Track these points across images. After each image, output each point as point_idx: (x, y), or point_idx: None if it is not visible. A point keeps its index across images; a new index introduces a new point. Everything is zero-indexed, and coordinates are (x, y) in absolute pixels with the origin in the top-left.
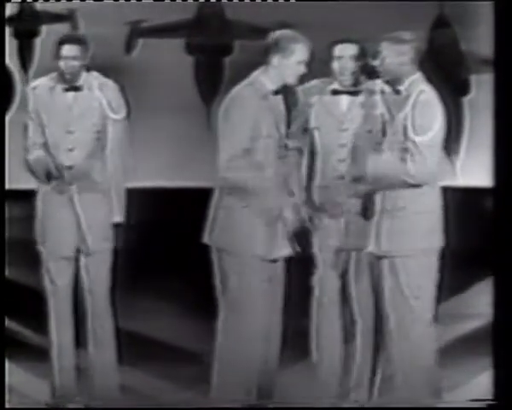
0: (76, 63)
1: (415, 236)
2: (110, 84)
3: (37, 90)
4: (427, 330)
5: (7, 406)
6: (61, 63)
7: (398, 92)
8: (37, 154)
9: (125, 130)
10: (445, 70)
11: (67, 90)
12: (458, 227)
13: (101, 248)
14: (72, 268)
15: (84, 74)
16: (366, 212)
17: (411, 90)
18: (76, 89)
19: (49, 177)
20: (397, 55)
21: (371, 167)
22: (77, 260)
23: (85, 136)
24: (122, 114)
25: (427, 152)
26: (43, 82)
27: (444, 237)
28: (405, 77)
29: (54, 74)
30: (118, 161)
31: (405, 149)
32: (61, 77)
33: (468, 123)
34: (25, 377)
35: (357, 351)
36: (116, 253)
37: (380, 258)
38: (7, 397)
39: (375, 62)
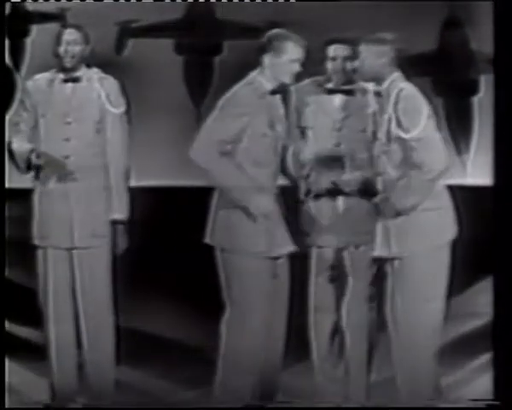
0: (76, 48)
1: (425, 233)
2: (110, 78)
3: (37, 82)
4: (435, 329)
5: (7, 405)
6: (61, 49)
7: (378, 94)
8: (20, 143)
9: (125, 125)
10: (454, 70)
11: (67, 81)
12: (459, 226)
13: (94, 244)
14: (69, 264)
15: (84, 68)
16: (367, 192)
17: (391, 90)
18: (75, 80)
19: (28, 166)
20: (376, 56)
21: (402, 207)
22: (72, 256)
23: (83, 127)
24: (121, 108)
25: (428, 141)
26: (43, 76)
27: (455, 230)
28: (385, 78)
29: (54, 70)
30: (117, 156)
31: (407, 148)
32: (61, 67)
33: (477, 122)
34: (24, 377)
35: (354, 351)
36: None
37: (387, 260)
38: (7, 397)
39: (355, 64)
